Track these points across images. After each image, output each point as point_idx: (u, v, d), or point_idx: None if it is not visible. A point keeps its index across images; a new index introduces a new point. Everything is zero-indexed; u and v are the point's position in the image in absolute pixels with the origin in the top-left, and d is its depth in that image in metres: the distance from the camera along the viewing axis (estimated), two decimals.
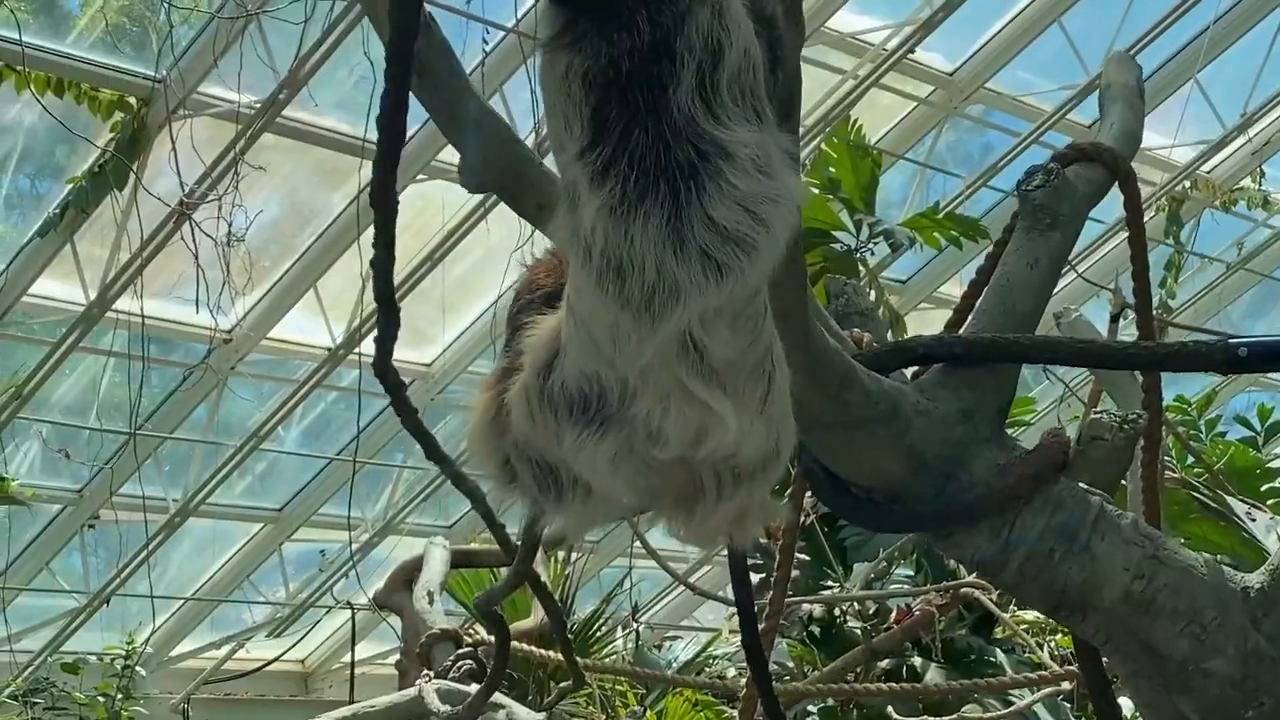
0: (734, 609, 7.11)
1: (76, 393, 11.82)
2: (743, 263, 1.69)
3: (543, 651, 6.08)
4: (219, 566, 13.36)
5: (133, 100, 9.54)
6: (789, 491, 3.38)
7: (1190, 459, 7.38)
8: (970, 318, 2.82)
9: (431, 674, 4.91)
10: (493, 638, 3.79)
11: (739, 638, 6.78)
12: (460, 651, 5.17)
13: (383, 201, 2.33)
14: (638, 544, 8.43)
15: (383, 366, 2.69)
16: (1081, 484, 2.35)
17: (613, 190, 1.69)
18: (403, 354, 12.22)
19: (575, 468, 1.84)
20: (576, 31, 1.74)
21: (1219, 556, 5.15)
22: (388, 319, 2.61)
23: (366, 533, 12.94)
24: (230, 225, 9.52)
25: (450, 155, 10.39)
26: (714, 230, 1.68)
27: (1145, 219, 3.04)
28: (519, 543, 3.06)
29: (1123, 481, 3.22)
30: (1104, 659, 2.67)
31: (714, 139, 1.70)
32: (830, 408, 2.31)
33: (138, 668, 10.71)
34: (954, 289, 13.68)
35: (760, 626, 3.13)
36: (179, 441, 12.05)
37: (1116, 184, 2.93)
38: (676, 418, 1.73)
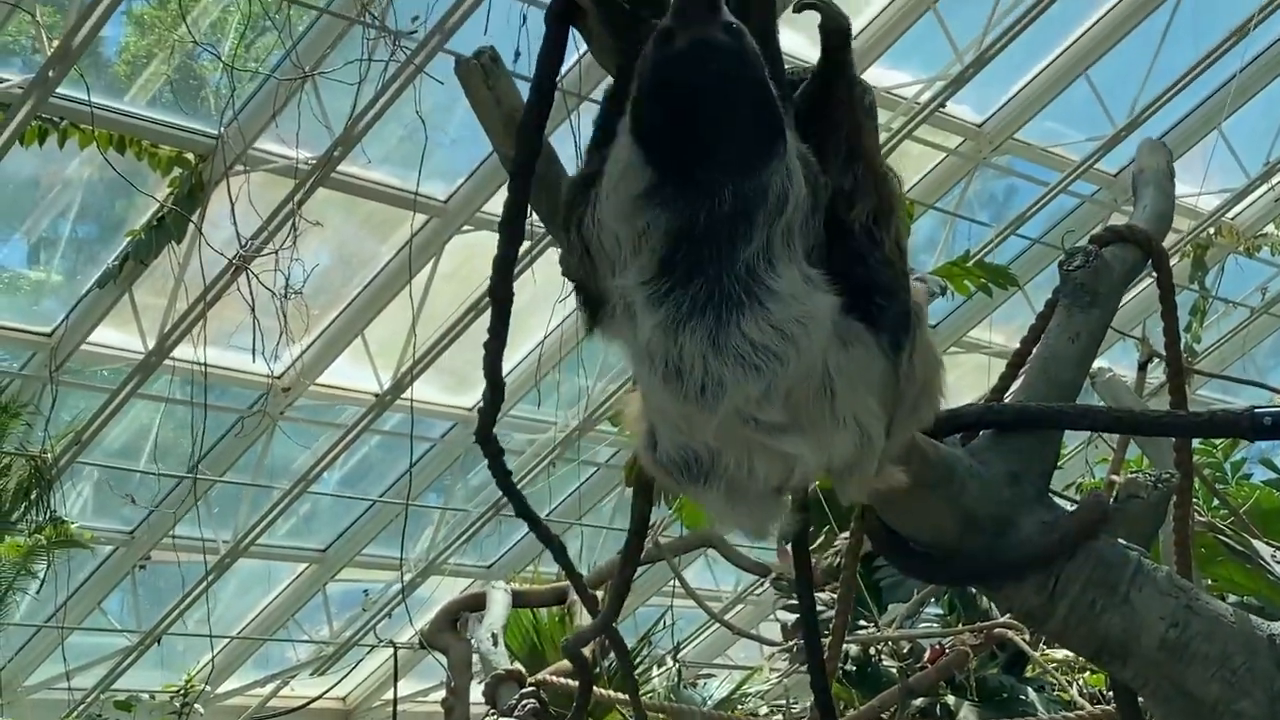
0: (770, 647, 7.34)
1: (128, 436, 12.11)
2: (774, 366, 1.99)
3: (601, 691, 6.29)
4: (265, 606, 13.60)
5: (191, 156, 9.85)
6: (846, 545, 3.61)
7: (1216, 502, 7.56)
8: (1016, 386, 3.07)
9: (496, 713, 5.14)
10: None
11: (776, 675, 6.98)
12: (524, 691, 5.38)
13: (500, 295, 2.63)
14: (676, 582, 8.67)
15: (485, 434, 2.98)
16: (1120, 539, 2.55)
17: (668, 312, 2.02)
18: (445, 398, 12.50)
19: (706, 509, 2.18)
20: (664, 193, 2.02)
21: (1246, 599, 5.35)
22: (494, 394, 2.91)
23: (410, 573, 13.17)
24: (288, 277, 9.80)
25: (495, 207, 10.69)
26: (748, 341, 1.99)
27: (1171, 265, 3.27)
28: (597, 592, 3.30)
29: None
30: (1139, 699, 2.89)
31: (766, 285, 2.01)
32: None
33: (196, 705, 10.94)
34: (984, 333, 13.89)
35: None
36: (228, 484, 12.31)
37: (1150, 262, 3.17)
38: (761, 466, 2.04)
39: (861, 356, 2.06)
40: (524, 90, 2.46)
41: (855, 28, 10.98)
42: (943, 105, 11.82)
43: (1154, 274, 3.22)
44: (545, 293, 9.58)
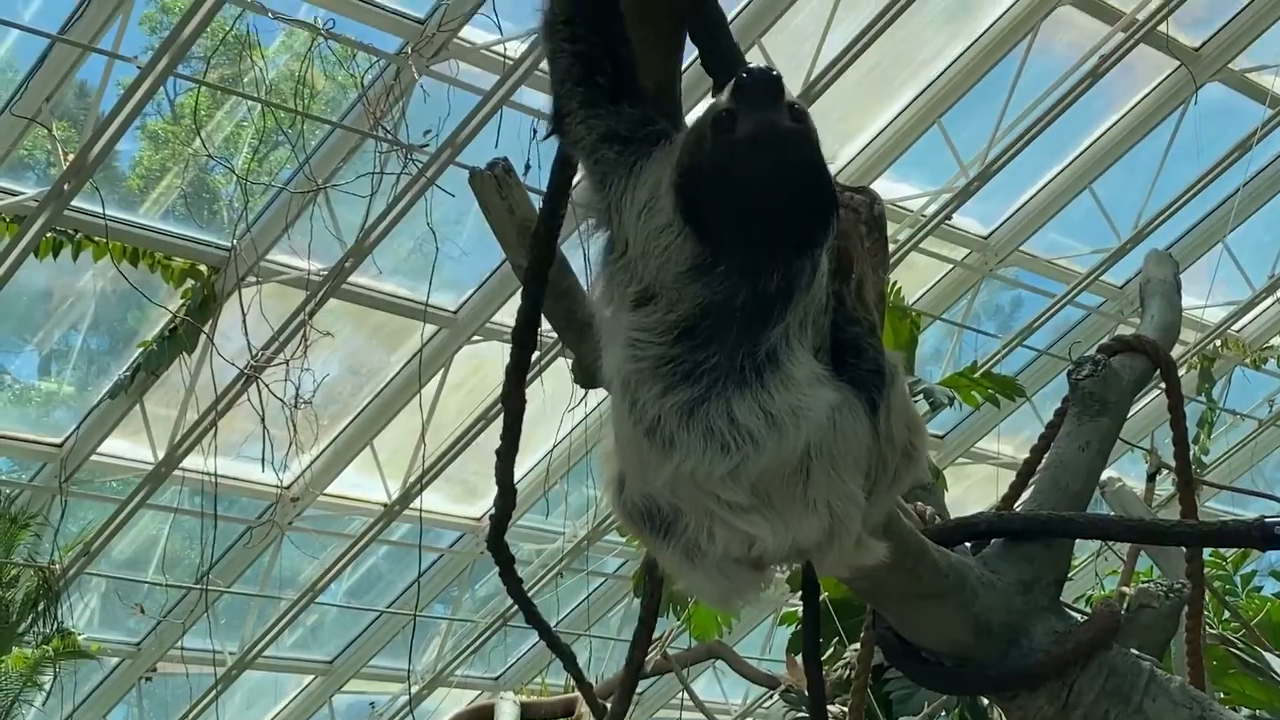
0: None
1: (136, 547, 12.11)
2: (747, 450, 1.99)
3: None
4: (271, 718, 13.52)
5: (204, 268, 9.94)
6: (857, 656, 3.60)
7: (1227, 614, 7.53)
8: (1026, 494, 3.09)
9: None
10: None
11: None
12: None
13: (513, 405, 2.66)
14: (685, 694, 8.64)
15: (496, 543, 3.00)
16: (1132, 649, 2.57)
17: (667, 369, 2.02)
18: (453, 508, 12.51)
19: (661, 566, 2.18)
20: (712, 273, 2.03)
21: (1259, 713, 5.31)
22: (505, 501, 2.93)
23: (416, 685, 13.10)
24: (298, 387, 9.85)
25: (504, 317, 10.76)
26: (728, 419, 2.00)
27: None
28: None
29: None
30: None
31: (782, 367, 2.02)
32: (904, 581, 2.55)
33: None
34: (991, 444, 13.89)
35: None
36: (235, 594, 12.29)
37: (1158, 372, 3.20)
38: (721, 534, 2.04)
39: (846, 427, 2.04)
40: (536, 201, 2.51)
41: (862, 140, 11.26)
42: (949, 218, 11.92)
43: (1162, 384, 3.26)
44: (554, 402, 9.64)
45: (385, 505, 11.82)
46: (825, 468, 2.01)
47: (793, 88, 2.24)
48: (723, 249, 2.02)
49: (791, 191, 2.03)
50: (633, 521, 2.15)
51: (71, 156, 8.82)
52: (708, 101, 2.13)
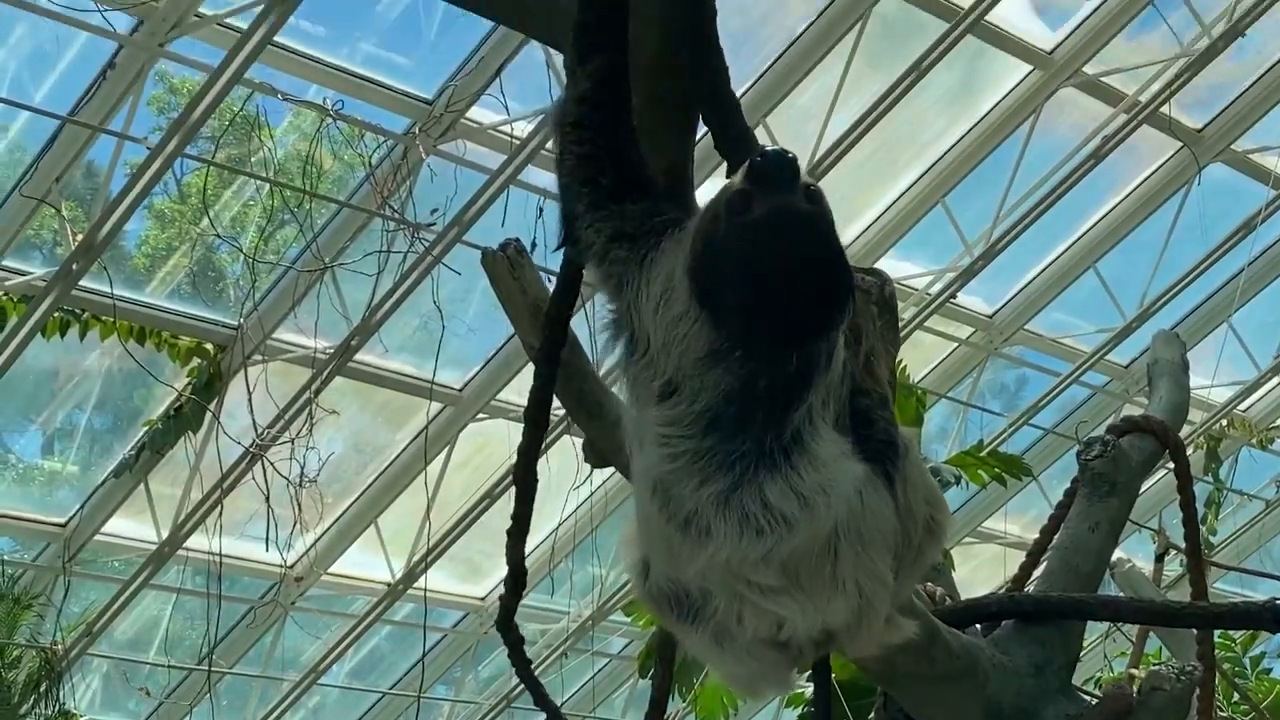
0: None
1: (138, 627, 12.06)
2: (780, 532, 1.96)
3: None
4: None
5: (210, 346, 9.96)
6: None
7: (1237, 697, 7.50)
8: (1036, 575, 3.08)
9: None
10: None
11: None
12: None
13: (523, 481, 2.65)
14: None
15: (506, 624, 2.98)
16: None
17: (694, 460, 2.00)
18: (458, 587, 12.46)
19: (688, 650, 2.15)
20: (731, 358, 2.00)
21: None
22: (515, 582, 2.92)
23: None
24: (303, 467, 9.85)
25: (509, 395, 10.77)
26: (762, 504, 1.97)
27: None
28: None
29: None
30: None
31: (808, 448, 2.00)
32: (917, 663, 2.56)
33: None
34: (998, 523, 13.86)
35: None
36: (238, 675, 12.22)
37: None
38: (750, 618, 2.01)
39: (872, 503, 2.03)
40: (547, 281, 2.53)
41: (867, 219, 11.31)
42: (953, 296, 11.95)
43: (1170, 464, 3.26)
44: (559, 480, 9.63)
45: (389, 584, 11.77)
46: (854, 546, 2.00)
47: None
48: (739, 333, 1.99)
49: (808, 275, 2.00)
50: (659, 607, 2.13)
51: (80, 237, 8.86)
52: (717, 179, 2.14)
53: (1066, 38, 10.86)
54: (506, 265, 2.55)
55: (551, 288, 2.49)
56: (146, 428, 10.25)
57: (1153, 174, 12.16)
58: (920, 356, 12.54)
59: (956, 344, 12.92)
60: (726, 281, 2.00)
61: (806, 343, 2.00)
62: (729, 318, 2.00)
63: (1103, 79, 11.17)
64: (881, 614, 2.05)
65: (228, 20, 8.59)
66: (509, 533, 2.66)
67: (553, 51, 8.14)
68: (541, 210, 9.07)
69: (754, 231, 1.98)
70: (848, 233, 11.33)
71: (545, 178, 9.60)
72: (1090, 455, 3.15)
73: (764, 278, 1.98)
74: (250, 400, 9.76)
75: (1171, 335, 3.59)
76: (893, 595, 2.08)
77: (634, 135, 2.17)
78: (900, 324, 11.39)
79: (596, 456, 2.76)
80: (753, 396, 2.00)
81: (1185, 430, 13.28)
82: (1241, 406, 14.50)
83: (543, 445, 2.56)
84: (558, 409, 2.69)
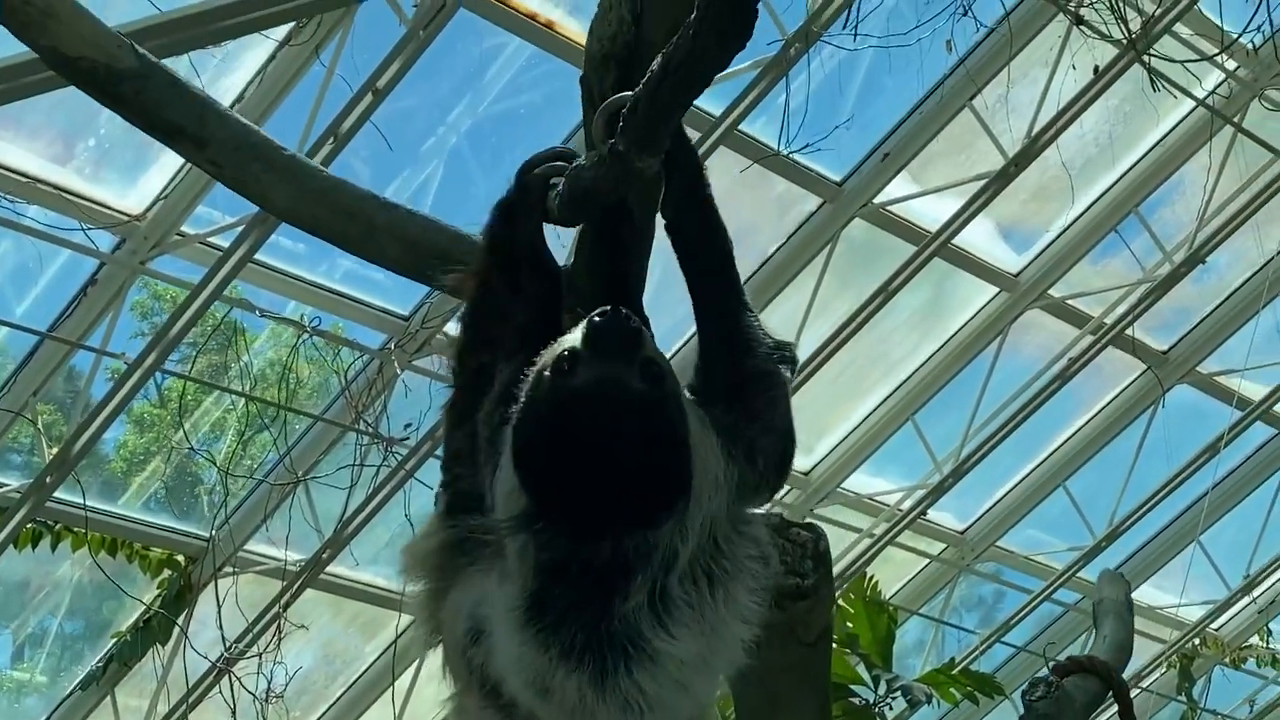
0: None
1: None
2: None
3: None
4: None
5: (181, 558, 9.96)
6: None
7: None
8: None
9: None
10: None
11: None
12: None
13: None
14: None
15: None
16: None
17: (545, 642, 1.79)
18: None
19: None
20: (538, 528, 1.79)
21: None
22: None
23: None
24: (270, 681, 9.78)
25: None
26: (637, 687, 1.78)
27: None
28: None
29: None
30: None
31: (648, 643, 1.78)
32: None
33: None
34: None
35: None
36: None
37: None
38: None
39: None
40: None
41: (837, 435, 11.40)
42: (924, 513, 12.02)
43: (1115, 704, 3.32)
44: None
45: None
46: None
47: None
48: (545, 507, 1.80)
49: (621, 460, 1.77)
50: (478, 682, 1.98)
51: (55, 451, 8.90)
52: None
53: (1032, 261, 11.11)
54: None
55: None
56: (115, 639, 10.19)
57: (1119, 395, 12.34)
58: (892, 572, 12.55)
59: (928, 560, 12.95)
60: (535, 452, 1.81)
61: (618, 534, 1.78)
62: (537, 490, 1.81)
63: (1068, 301, 11.39)
64: None
65: (209, 239, 8.74)
66: None
67: None
68: None
69: (568, 399, 1.79)
70: (819, 449, 11.42)
71: None
72: (1035, 696, 3.21)
73: (570, 451, 1.78)
74: (220, 614, 9.73)
75: (1116, 575, 3.67)
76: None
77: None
78: (871, 540, 11.38)
79: None
80: (569, 581, 1.79)
81: (1157, 648, 13.32)
82: (1214, 625, 14.48)
83: None
84: None
